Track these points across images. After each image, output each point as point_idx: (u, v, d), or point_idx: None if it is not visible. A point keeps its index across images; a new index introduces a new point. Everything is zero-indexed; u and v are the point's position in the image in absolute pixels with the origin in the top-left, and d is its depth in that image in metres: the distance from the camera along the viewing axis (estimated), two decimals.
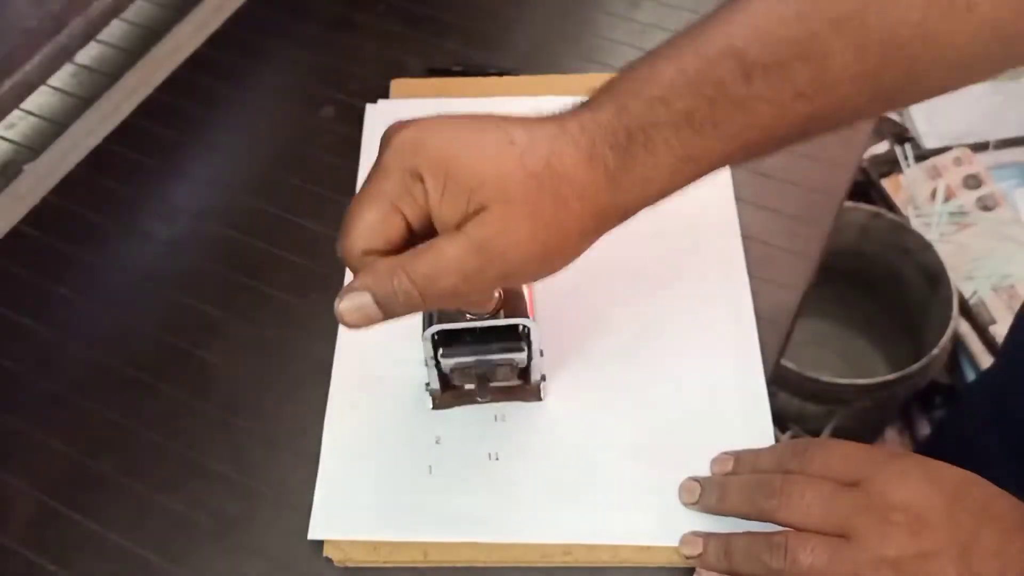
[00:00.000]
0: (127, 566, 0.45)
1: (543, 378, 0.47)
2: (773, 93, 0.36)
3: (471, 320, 0.42)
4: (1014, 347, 0.65)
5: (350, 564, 0.44)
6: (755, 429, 0.46)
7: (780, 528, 0.40)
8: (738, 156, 0.38)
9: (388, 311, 0.36)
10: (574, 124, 0.36)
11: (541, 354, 0.45)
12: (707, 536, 0.42)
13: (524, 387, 0.47)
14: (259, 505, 0.46)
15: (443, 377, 0.46)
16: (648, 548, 0.43)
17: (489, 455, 0.46)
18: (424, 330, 0.42)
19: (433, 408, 0.47)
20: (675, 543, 0.43)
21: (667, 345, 0.50)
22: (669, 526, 0.43)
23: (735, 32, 0.36)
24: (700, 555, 0.42)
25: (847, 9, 0.36)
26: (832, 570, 0.37)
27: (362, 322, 0.36)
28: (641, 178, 0.36)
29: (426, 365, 0.45)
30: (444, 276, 0.35)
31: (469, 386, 0.46)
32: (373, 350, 0.50)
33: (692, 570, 0.44)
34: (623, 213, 0.38)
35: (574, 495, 0.45)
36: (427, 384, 0.47)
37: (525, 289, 0.43)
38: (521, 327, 0.43)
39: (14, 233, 0.57)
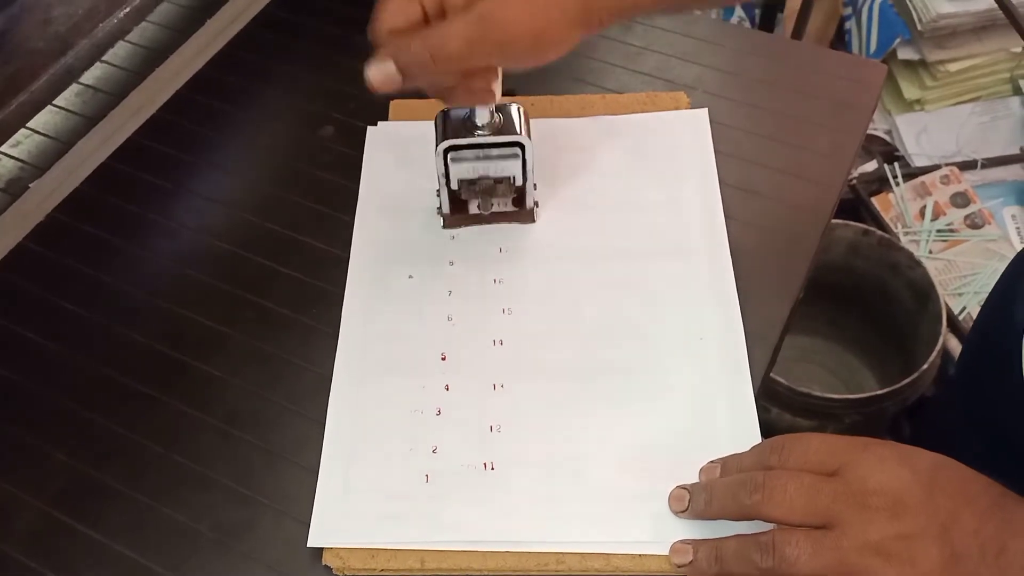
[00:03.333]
0: (128, 575, 0.45)
1: (536, 204, 0.56)
2: None
3: (477, 136, 0.51)
4: (978, 330, 0.67)
5: (348, 572, 0.44)
6: (743, 441, 0.47)
7: (768, 528, 0.41)
8: None
9: (406, 72, 0.45)
10: None
11: (535, 187, 0.55)
12: (696, 543, 0.43)
13: (520, 211, 0.56)
14: (259, 514, 0.47)
15: (452, 196, 0.54)
16: (640, 556, 0.44)
17: (485, 465, 0.47)
18: (436, 146, 0.51)
19: (444, 227, 0.56)
20: (667, 551, 0.44)
21: (658, 358, 0.51)
22: (661, 534, 0.44)
23: None
24: (690, 562, 0.43)
25: None
26: (817, 560, 0.38)
27: (386, 85, 0.45)
28: None
29: (438, 188, 0.54)
30: (451, 40, 0.44)
31: (473, 205, 0.55)
32: (373, 364, 0.51)
33: None
34: (599, 19, 0.46)
35: (568, 504, 0.46)
36: (438, 208, 0.55)
37: (519, 121, 0.51)
38: (518, 144, 0.52)
39: (20, 249, 0.58)
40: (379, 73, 0.45)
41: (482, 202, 0.55)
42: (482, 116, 0.51)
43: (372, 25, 0.46)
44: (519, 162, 0.52)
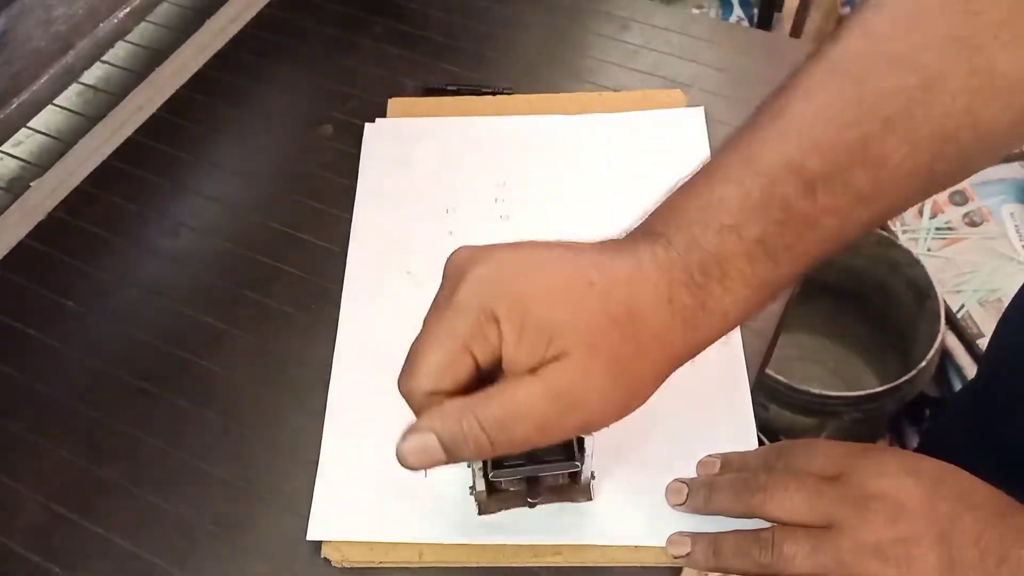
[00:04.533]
0: (132, 569, 0.46)
1: (593, 475, 0.44)
2: (837, 203, 0.35)
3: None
4: (994, 356, 0.67)
5: (347, 564, 0.45)
6: (739, 434, 0.48)
7: (767, 525, 0.41)
8: (804, 272, 0.37)
9: (453, 455, 0.35)
10: (648, 260, 0.35)
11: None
12: (694, 536, 0.43)
13: (573, 486, 0.45)
14: (260, 509, 0.47)
15: (489, 483, 0.43)
16: (637, 548, 0.44)
17: None
18: None
19: (479, 514, 0.45)
20: (663, 543, 0.44)
21: None
22: (657, 526, 0.45)
23: (791, 145, 0.35)
24: (688, 554, 0.43)
25: (896, 107, 0.35)
26: (815, 559, 0.39)
27: (425, 464, 0.35)
28: (719, 313, 0.36)
29: (469, 466, 0.42)
30: (518, 423, 0.34)
31: (515, 489, 0.45)
32: (371, 359, 0.52)
33: (680, 570, 0.45)
34: (694, 351, 0.37)
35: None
36: (471, 487, 0.44)
37: None
38: (575, 440, 0.41)
39: (21, 247, 0.59)
40: (417, 451, 0.35)
41: (528, 491, 0.44)
42: None
43: (407, 379, 0.35)
44: (578, 463, 0.41)
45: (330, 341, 0.53)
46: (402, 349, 0.51)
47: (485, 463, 0.41)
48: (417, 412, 0.36)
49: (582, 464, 0.42)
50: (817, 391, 1.04)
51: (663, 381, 0.37)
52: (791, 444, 0.43)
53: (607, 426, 0.37)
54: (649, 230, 0.37)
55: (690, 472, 0.46)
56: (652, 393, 0.37)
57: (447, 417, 0.34)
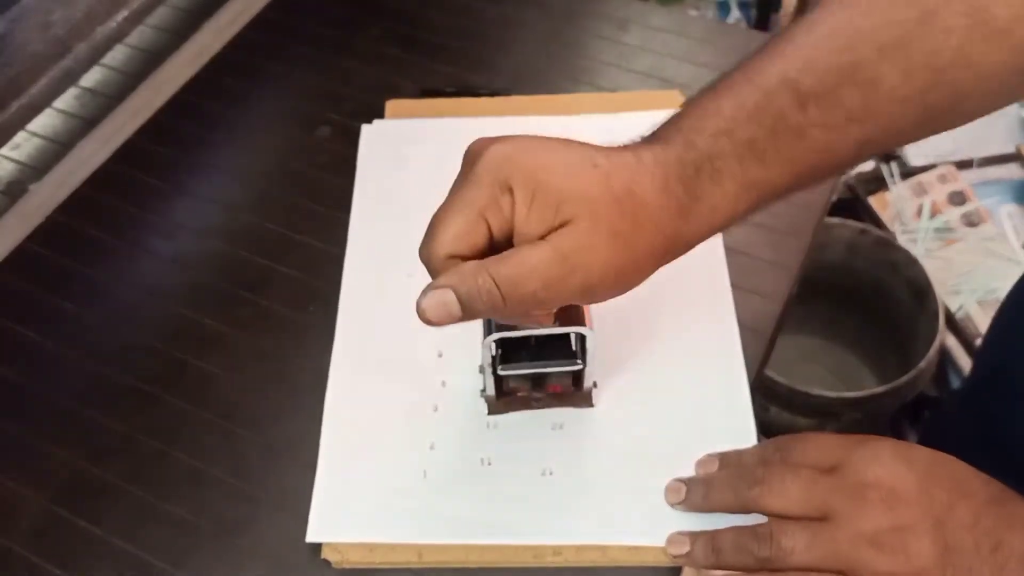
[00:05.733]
0: (130, 569, 0.46)
1: (595, 384, 0.48)
2: (827, 118, 0.38)
3: (530, 328, 0.43)
4: (988, 353, 0.67)
5: (347, 566, 0.45)
6: (739, 434, 0.48)
7: (765, 520, 0.41)
8: (795, 182, 0.40)
9: (469, 310, 0.37)
10: (648, 156, 0.39)
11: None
12: (693, 535, 0.43)
13: (576, 392, 0.48)
14: (258, 510, 0.47)
15: (498, 382, 0.47)
16: (637, 548, 0.44)
17: (482, 460, 0.48)
18: (485, 337, 0.44)
19: (488, 414, 0.49)
20: (663, 543, 0.44)
21: (653, 352, 0.51)
22: (657, 526, 0.45)
23: (788, 64, 0.39)
24: (687, 553, 0.43)
25: (892, 36, 0.38)
26: (814, 551, 0.39)
27: (443, 319, 0.38)
28: (708, 207, 0.39)
29: (481, 372, 0.47)
30: (528, 280, 0.37)
31: (522, 393, 0.48)
32: (369, 360, 0.52)
33: (679, 569, 0.45)
34: (688, 241, 0.40)
35: (564, 497, 0.46)
36: (482, 390, 0.48)
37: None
38: (576, 336, 0.45)
39: (20, 250, 0.59)
40: (436, 305, 0.37)
41: (533, 392, 0.48)
42: None
43: (427, 244, 0.38)
44: (579, 360, 0.46)
45: (328, 342, 0.53)
46: (400, 351, 0.52)
47: (495, 361, 0.45)
48: (435, 275, 0.39)
49: (584, 365, 0.45)
50: (817, 392, 1.04)
51: (655, 267, 0.40)
52: (787, 439, 0.44)
53: (606, 296, 0.40)
54: (651, 137, 0.40)
55: (689, 470, 0.46)
56: (645, 275, 0.40)
57: (464, 275, 0.37)
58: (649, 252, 0.39)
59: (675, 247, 0.40)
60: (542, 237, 0.37)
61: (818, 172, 0.40)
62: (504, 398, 0.48)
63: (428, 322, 0.38)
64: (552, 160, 0.38)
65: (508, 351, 0.46)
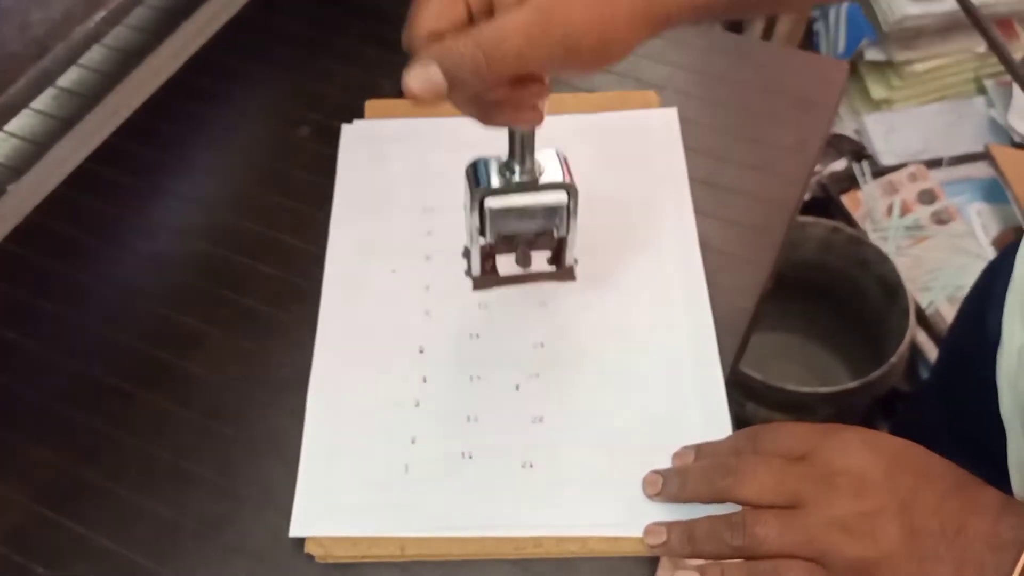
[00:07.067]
0: (114, 568, 0.46)
1: (576, 261, 0.50)
2: None
3: (518, 183, 0.45)
4: (953, 340, 0.69)
5: (331, 559, 0.45)
6: (714, 427, 0.49)
7: (738, 509, 0.42)
8: None
9: (454, 78, 0.38)
10: None
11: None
12: (669, 524, 0.44)
13: (559, 270, 0.51)
14: (242, 506, 0.48)
15: (484, 254, 0.48)
16: (615, 539, 0.45)
17: (463, 454, 0.48)
18: (472, 200, 0.46)
19: (474, 289, 0.51)
20: (641, 533, 0.45)
21: (630, 348, 0.52)
22: (635, 517, 0.45)
23: None
24: (664, 543, 0.44)
25: None
26: (785, 538, 0.40)
27: (427, 92, 0.38)
28: None
29: (469, 242, 0.48)
30: (509, 37, 0.37)
31: (506, 273, 0.50)
32: (350, 357, 0.52)
33: (657, 559, 0.46)
34: (666, 15, 0.41)
35: (543, 490, 0.47)
36: (466, 270, 0.50)
37: (561, 165, 0.47)
38: (566, 191, 0.46)
39: None
40: (421, 79, 0.37)
41: (521, 258, 0.49)
42: (519, 162, 0.46)
43: (408, 28, 0.39)
44: (564, 212, 0.47)
45: (309, 340, 0.53)
46: (381, 347, 0.53)
47: (483, 229, 0.47)
48: (424, 52, 0.39)
49: (568, 220, 0.47)
50: (792, 388, 1.06)
51: (635, 31, 0.40)
52: (759, 428, 0.45)
53: (590, 60, 0.40)
54: None
55: (666, 462, 0.47)
56: (627, 40, 0.40)
57: (446, 45, 0.38)
58: (628, 12, 0.40)
59: (652, 15, 0.41)
60: (520, 2, 0.38)
61: None
62: (488, 275, 0.50)
63: (415, 97, 0.38)
64: None
65: (496, 220, 0.47)
